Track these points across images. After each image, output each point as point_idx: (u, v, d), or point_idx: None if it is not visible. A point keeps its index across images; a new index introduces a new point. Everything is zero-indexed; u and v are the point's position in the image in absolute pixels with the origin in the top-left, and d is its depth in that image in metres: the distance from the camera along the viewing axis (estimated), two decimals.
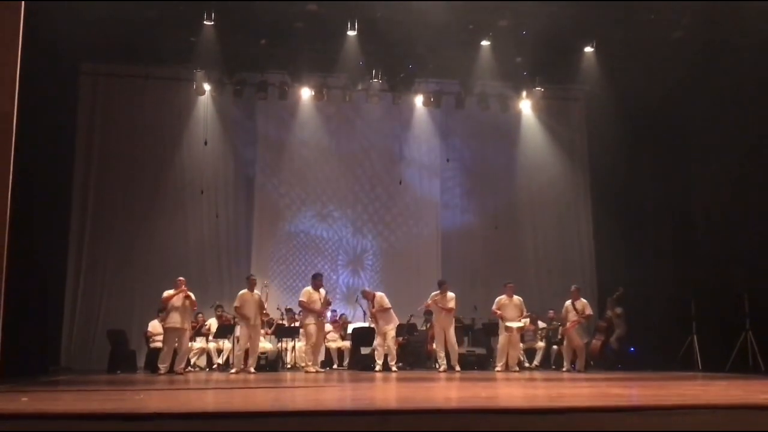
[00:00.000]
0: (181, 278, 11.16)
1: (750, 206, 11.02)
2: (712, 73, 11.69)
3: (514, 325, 11.76)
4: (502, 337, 11.82)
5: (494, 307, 11.91)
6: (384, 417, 3.94)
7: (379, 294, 12.01)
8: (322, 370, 11.66)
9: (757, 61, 10.61)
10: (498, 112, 14.86)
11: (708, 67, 11.76)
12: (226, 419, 4.01)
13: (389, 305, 11.88)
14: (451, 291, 11.82)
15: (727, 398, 5.33)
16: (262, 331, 12.51)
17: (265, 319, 12.18)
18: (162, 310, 11.52)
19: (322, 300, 11.40)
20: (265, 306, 11.56)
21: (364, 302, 12.58)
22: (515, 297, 11.96)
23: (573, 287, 12.21)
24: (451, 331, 11.75)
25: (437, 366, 11.84)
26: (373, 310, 11.87)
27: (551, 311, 13.39)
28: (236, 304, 11.26)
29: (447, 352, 11.75)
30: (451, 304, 11.69)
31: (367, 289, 12.82)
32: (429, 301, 11.88)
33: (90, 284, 13.49)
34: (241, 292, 11.33)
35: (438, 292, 11.80)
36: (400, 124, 15.21)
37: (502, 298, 11.90)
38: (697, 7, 10.99)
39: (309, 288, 11.49)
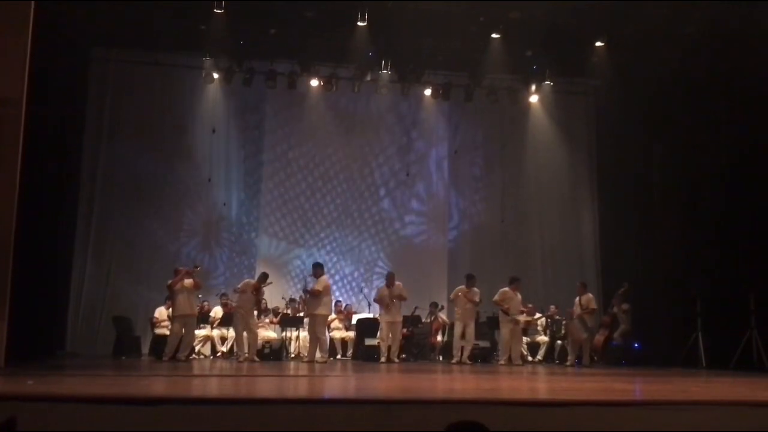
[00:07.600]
0: (180, 267, 11.44)
1: (758, 203, 10.95)
2: (723, 68, 11.60)
3: (523, 317, 11.81)
4: (506, 331, 11.81)
5: (499, 298, 11.82)
6: (387, 407, 3.95)
7: (398, 283, 12.00)
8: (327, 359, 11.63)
9: None
10: (507, 105, 14.81)
11: (719, 62, 11.67)
12: (230, 405, 4.03)
13: (407, 297, 11.92)
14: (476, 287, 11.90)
15: (732, 395, 5.33)
16: (266, 320, 12.57)
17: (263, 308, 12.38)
18: (169, 297, 11.62)
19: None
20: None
21: (369, 294, 12.53)
22: (518, 293, 11.97)
23: (578, 283, 12.32)
24: (472, 326, 11.85)
25: (453, 359, 11.83)
26: (394, 296, 11.82)
27: (552, 306, 13.37)
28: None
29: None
30: (477, 299, 11.79)
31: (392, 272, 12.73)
32: (458, 294, 11.90)
33: (96, 270, 13.50)
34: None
35: (464, 285, 11.86)
36: (408, 116, 15.18)
37: (508, 291, 11.85)
38: (708, 2, 10.90)
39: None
